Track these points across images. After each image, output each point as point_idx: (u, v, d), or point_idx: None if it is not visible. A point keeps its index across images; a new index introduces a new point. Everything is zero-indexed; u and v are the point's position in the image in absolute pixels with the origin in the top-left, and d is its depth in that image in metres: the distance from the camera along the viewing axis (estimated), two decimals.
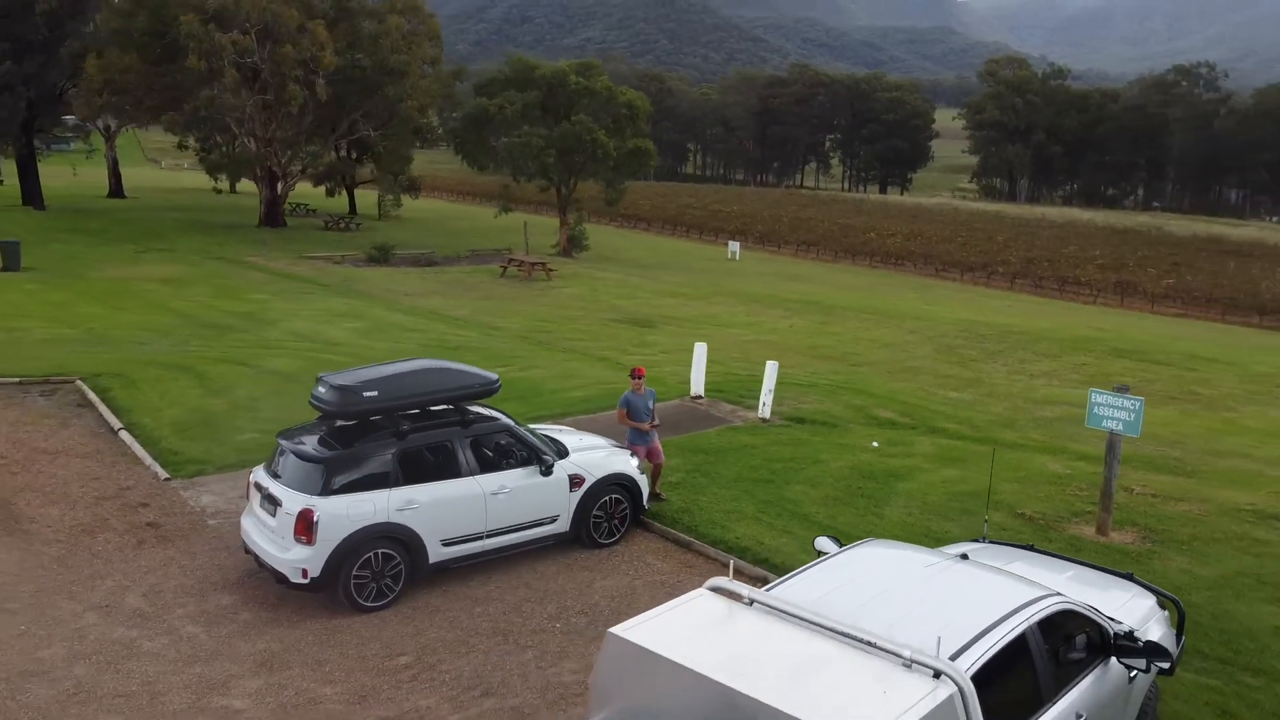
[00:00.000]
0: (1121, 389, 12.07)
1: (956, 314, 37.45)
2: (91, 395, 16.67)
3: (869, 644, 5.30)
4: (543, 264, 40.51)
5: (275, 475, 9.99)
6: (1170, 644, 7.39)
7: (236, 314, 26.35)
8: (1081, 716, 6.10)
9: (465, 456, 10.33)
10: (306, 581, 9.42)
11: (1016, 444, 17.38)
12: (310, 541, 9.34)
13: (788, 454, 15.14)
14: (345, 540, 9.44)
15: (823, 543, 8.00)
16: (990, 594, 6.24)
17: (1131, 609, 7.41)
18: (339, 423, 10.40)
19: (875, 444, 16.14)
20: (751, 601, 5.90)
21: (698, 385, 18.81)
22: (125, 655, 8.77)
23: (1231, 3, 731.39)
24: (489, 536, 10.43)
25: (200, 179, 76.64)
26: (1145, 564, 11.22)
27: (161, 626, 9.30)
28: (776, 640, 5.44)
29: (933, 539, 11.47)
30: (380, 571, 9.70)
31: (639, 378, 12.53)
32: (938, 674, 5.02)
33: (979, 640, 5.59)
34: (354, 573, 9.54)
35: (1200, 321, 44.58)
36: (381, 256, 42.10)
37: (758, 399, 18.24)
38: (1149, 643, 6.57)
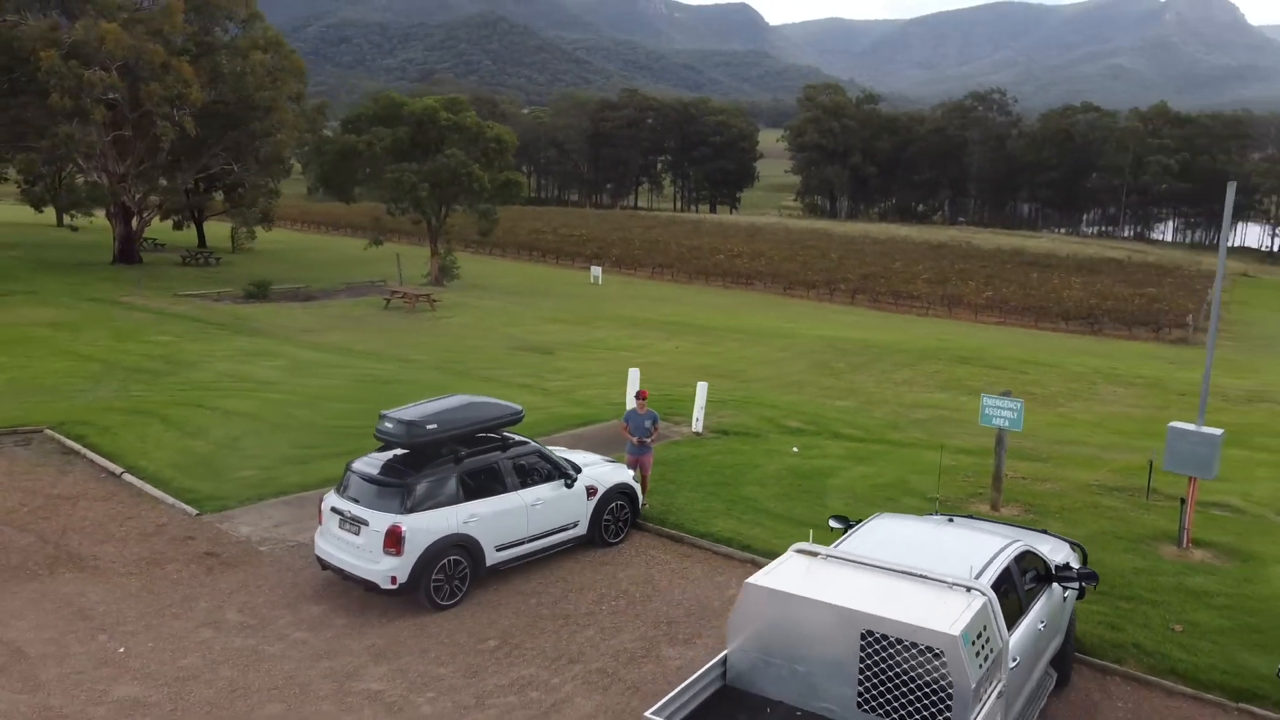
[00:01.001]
0: (1005, 394, 15.26)
1: (816, 331, 41.25)
2: (71, 444, 17.40)
3: (921, 576, 7.82)
4: (426, 295, 41.85)
5: (354, 500, 11.68)
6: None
7: (152, 357, 26.73)
8: (1043, 623, 8.85)
9: (509, 475, 12.34)
10: (395, 587, 11.20)
11: (905, 443, 20.59)
12: (399, 553, 11.14)
13: (730, 461, 17.71)
14: (426, 550, 11.29)
15: (835, 521, 10.54)
16: (981, 542, 8.94)
17: (1057, 551, 10.31)
18: (397, 451, 12.18)
19: (795, 449, 18.95)
20: (827, 556, 8.32)
21: (631, 403, 21.10)
22: (256, 659, 10.34)
23: (1013, 30, 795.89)
24: (529, 541, 12.47)
25: (18, 213, 73.22)
26: (1038, 519, 14.34)
27: (272, 634, 10.88)
28: (856, 578, 7.88)
29: (856, 510, 14.28)
30: (451, 574, 11.58)
31: (642, 399, 14.83)
32: (969, 590, 7.59)
33: (985, 570, 8.22)
34: (433, 577, 11.39)
35: (1018, 329, 50.42)
36: (260, 293, 42.31)
37: (683, 415, 20.81)
38: (1081, 570, 9.44)
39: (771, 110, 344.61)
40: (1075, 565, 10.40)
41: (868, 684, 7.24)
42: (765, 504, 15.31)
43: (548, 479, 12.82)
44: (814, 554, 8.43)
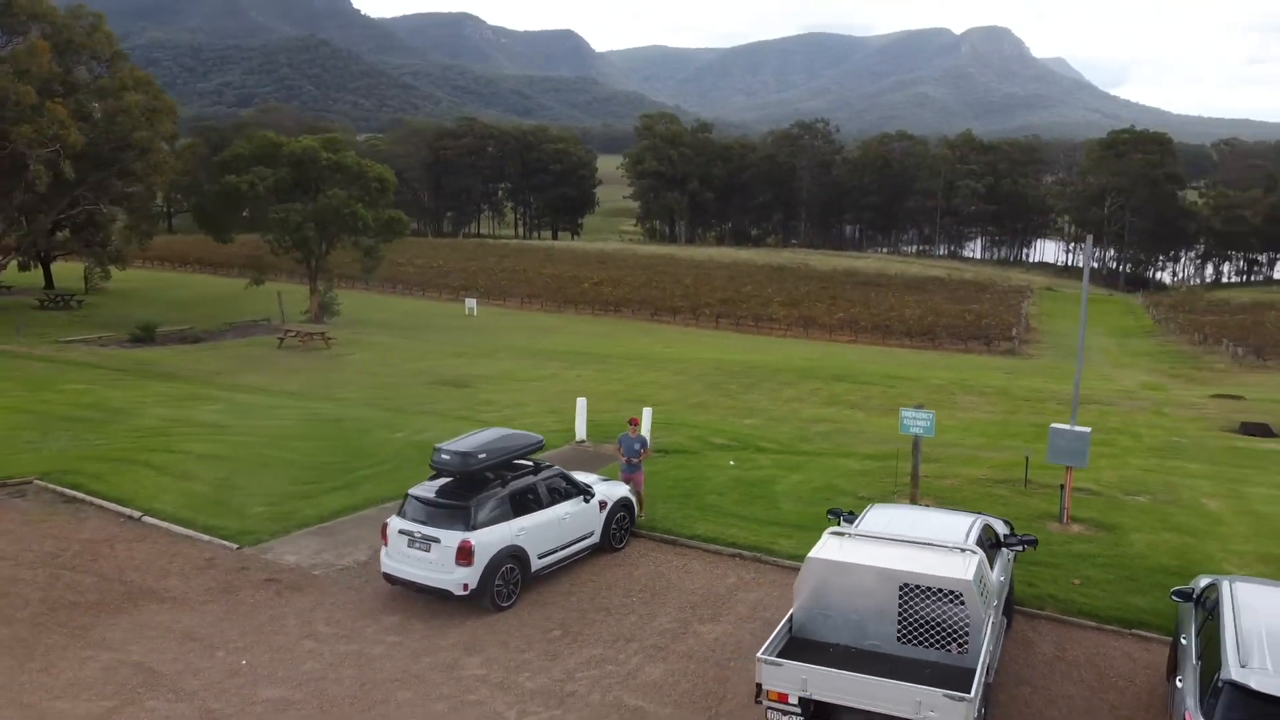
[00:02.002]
0: (919, 406, 18.58)
1: (698, 354, 44.52)
2: (71, 492, 18.27)
3: (928, 543, 10.69)
4: (320, 333, 42.65)
5: (421, 521, 13.63)
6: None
7: (81, 405, 26.94)
8: (1001, 578, 11.90)
9: (543, 494, 14.57)
10: (466, 593, 13.25)
11: (819, 453, 23.79)
12: (469, 564, 13.21)
13: (683, 475, 20.36)
14: (490, 560, 13.39)
15: (831, 514, 13.36)
16: (956, 519, 11.94)
17: (997, 524, 13.46)
18: (444, 480, 14.22)
19: (733, 463, 21.81)
20: (854, 535, 11.08)
21: (581, 431, 23.51)
22: (365, 659, 12.21)
23: (827, 59, 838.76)
24: (561, 549, 14.72)
25: None
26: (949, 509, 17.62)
27: (367, 640, 12.73)
28: (883, 548, 10.66)
29: (821, 515, 17.24)
30: (509, 580, 13.71)
31: (634, 425, 17.27)
32: (964, 550, 10.51)
33: (969, 538, 11.19)
34: (495, 583, 13.49)
35: (870, 346, 55.43)
36: (146, 336, 42.03)
37: (600, 438, 23.26)
38: (1024, 536, 12.60)
39: (602, 136, 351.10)
40: (1011, 533, 13.63)
41: (905, 623, 10.03)
42: (730, 509, 18.03)
43: (569, 496, 15.10)
44: (844, 534, 11.20)
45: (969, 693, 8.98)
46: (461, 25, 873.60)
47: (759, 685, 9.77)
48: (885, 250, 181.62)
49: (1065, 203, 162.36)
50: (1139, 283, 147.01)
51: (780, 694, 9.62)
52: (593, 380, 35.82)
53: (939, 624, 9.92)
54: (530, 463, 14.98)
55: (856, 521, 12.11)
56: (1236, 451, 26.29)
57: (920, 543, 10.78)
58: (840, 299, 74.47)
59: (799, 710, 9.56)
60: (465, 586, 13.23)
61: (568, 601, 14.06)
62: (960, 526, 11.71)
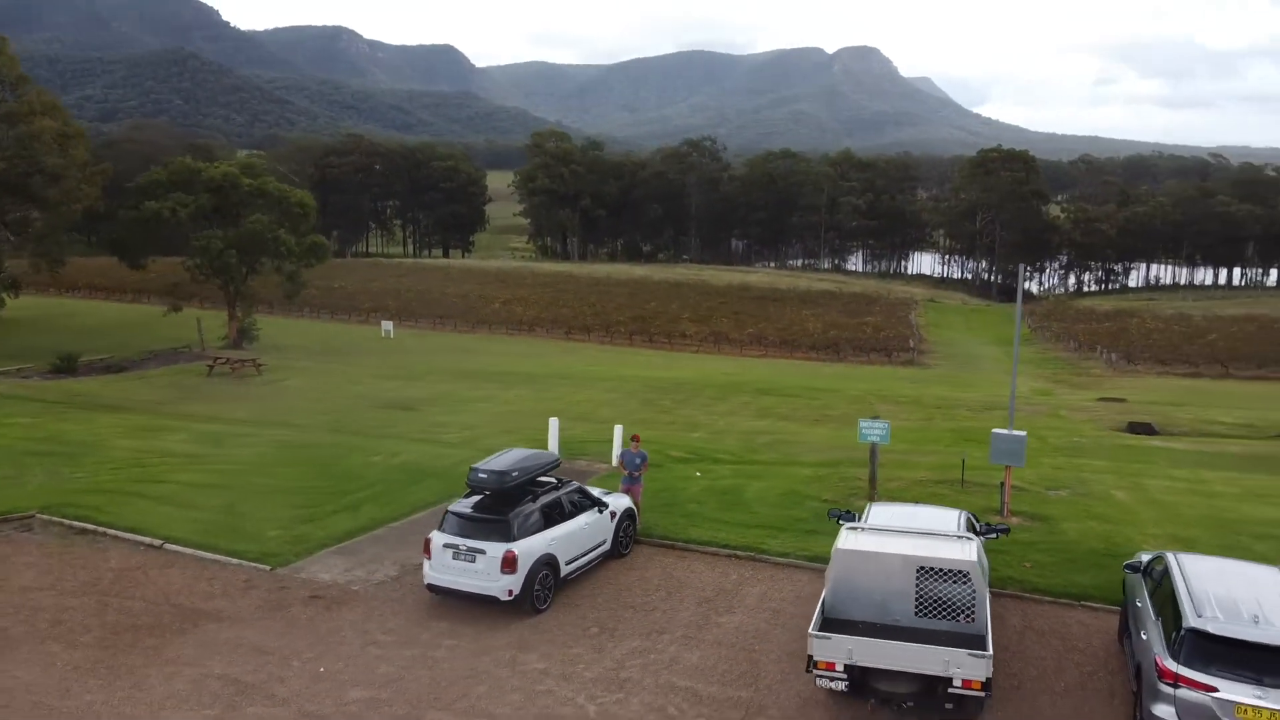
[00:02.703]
0: (876, 418, 20.81)
1: (625, 372, 46.32)
2: (81, 524, 18.79)
3: (932, 533, 12.73)
4: (251, 360, 42.74)
5: (464, 535, 14.96)
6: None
7: (35, 439, 26.84)
8: (981, 559, 14.05)
9: (567, 507, 16.10)
10: (511, 599, 14.68)
11: (771, 462, 25.87)
12: (514, 571, 14.64)
13: (658, 487, 22.03)
14: (531, 567, 14.85)
15: (834, 513, 15.32)
16: (945, 513, 14.07)
17: (970, 516, 15.65)
18: (476, 494, 15.61)
19: (699, 474, 23.65)
20: (868, 529, 13.03)
21: (554, 448, 24.95)
22: (431, 661, 13.52)
23: (706, 77, 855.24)
24: (583, 556, 16.27)
25: None
26: None
27: (426, 644, 14.02)
28: (897, 538, 12.63)
29: (794, 517, 19.29)
30: (544, 585, 15.18)
31: (636, 441, 18.92)
32: (961, 538, 12.59)
33: (959, 528, 13.29)
34: (534, 588, 14.95)
35: (781, 360, 58.26)
36: (68, 366, 41.38)
37: (589, 455, 24.88)
38: (997, 526, 14.81)
39: (486, 152, 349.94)
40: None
41: (921, 600, 12.02)
42: (712, 515, 19.85)
43: (586, 508, 16.65)
44: (858, 529, 13.15)
45: (986, 650, 11.03)
46: (336, 38, 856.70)
47: (810, 657, 11.60)
48: (772, 264, 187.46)
49: (940, 217, 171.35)
50: (1010, 293, 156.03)
51: (828, 663, 11.47)
52: (532, 400, 37.17)
53: (949, 599, 11.95)
54: (553, 479, 16.49)
55: (864, 518, 14.07)
56: (1130, 449, 29.60)
57: (925, 533, 12.83)
58: (743, 314, 77.49)
59: (844, 676, 11.43)
60: (510, 592, 14.65)
61: (595, 603, 15.61)
62: (950, 519, 13.84)
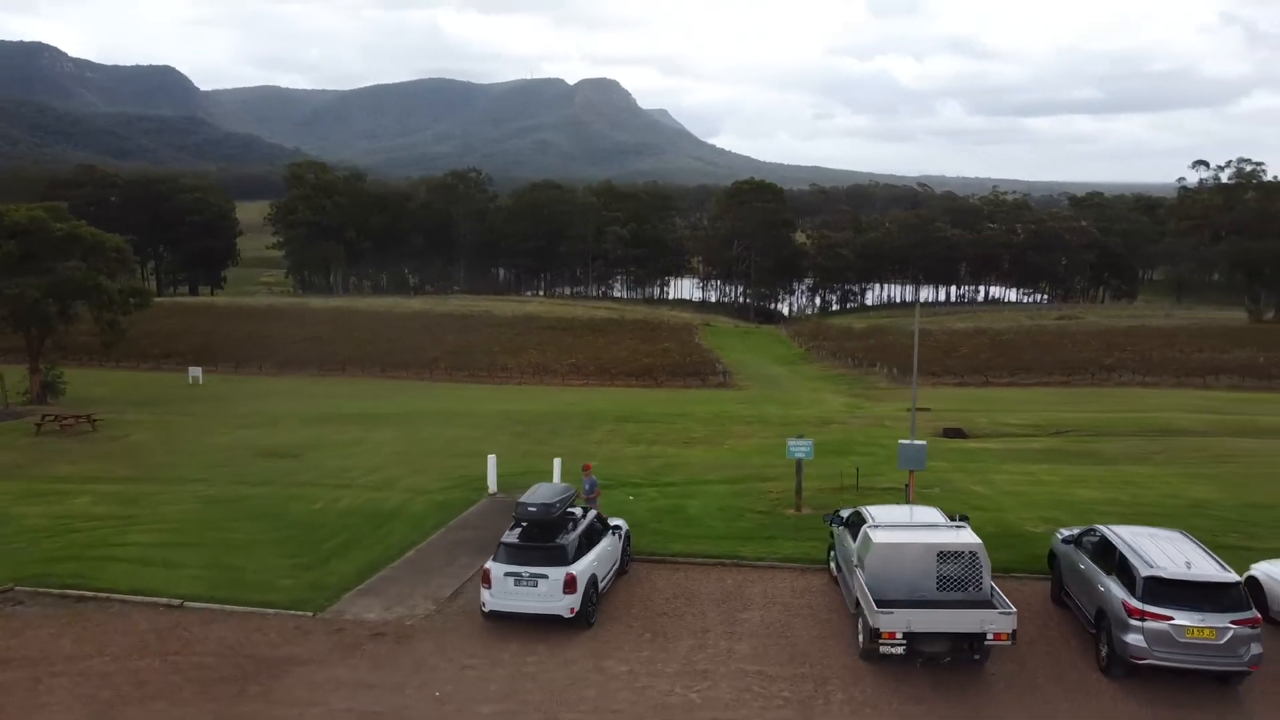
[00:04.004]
0: (801, 436, 24.22)
1: (476, 408, 47.67)
2: (77, 592, 18.60)
3: (933, 525, 16.14)
4: (85, 416, 40.55)
5: (523, 563, 16.74)
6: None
7: None
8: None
9: (595, 533, 18.22)
10: (572, 616, 16.65)
11: (684, 482, 28.64)
12: (574, 591, 16.63)
13: (609, 511, 24.30)
14: (585, 586, 16.89)
15: (828, 518, 18.41)
16: (927, 509, 17.54)
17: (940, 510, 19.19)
18: (520, 526, 17.45)
19: (631, 497, 26.13)
20: (880, 525, 16.20)
21: (493, 484, 26.60)
22: (530, 676, 15.27)
23: (449, 105, 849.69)
24: (609, 575, 18.42)
25: None
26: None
27: (511, 663, 15.73)
28: (910, 531, 15.90)
29: (744, 528, 22.32)
30: (592, 602, 17.24)
31: (586, 470, 21.33)
32: (958, 526, 16.08)
33: (945, 519, 16.77)
34: (588, 605, 16.99)
35: (608, 388, 61.21)
36: None
37: (508, 488, 26.57)
38: (961, 515, 18.40)
39: (220, 179, 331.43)
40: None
41: (941, 576, 15.30)
42: (675, 531, 22.45)
43: (605, 532, 18.82)
44: (876, 526, 16.28)
45: (1012, 608, 14.49)
46: (36, 56, 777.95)
47: (876, 630, 14.56)
48: (541, 293, 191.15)
49: (699, 245, 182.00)
50: (766, 314, 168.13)
51: (890, 633, 14.48)
52: (405, 440, 37.94)
53: (962, 574, 15.31)
54: (579, 509, 18.56)
55: (874, 519, 17.12)
56: (957, 451, 34.95)
57: (928, 525, 16.20)
58: (548, 345, 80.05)
59: (904, 641, 14.49)
60: (572, 610, 16.63)
61: (630, 613, 17.82)
62: (934, 512, 17.36)
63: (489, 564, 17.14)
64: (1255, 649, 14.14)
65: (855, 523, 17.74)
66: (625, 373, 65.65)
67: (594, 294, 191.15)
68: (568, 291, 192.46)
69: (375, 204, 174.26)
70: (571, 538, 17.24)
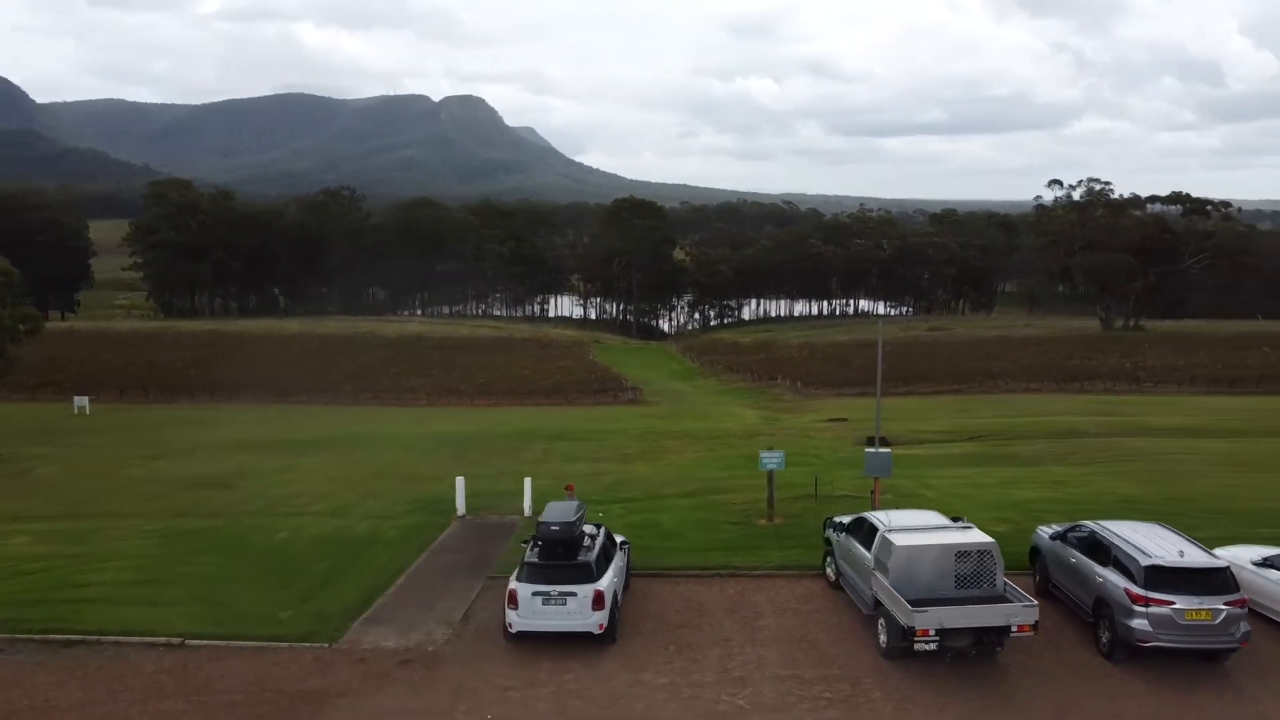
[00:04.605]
0: (772, 449, 25.00)
1: (398, 430, 46.80)
2: (63, 636, 17.60)
3: (944, 527, 17.10)
4: None
5: (551, 582, 16.83)
6: None
7: None
8: None
9: (609, 549, 18.45)
10: (602, 632, 16.85)
11: (643, 498, 29.03)
12: (603, 608, 16.85)
13: None
14: (611, 602, 17.13)
15: (829, 524, 19.16)
16: (929, 513, 18.48)
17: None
18: (539, 545, 17.58)
19: (601, 513, 26.33)
20: (895, 529, 17.05)
21: (461, 507, 26.37)
22: (572, 693, 15.42)
23: (309, 120, 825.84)
24: (622, 589, 18.68)
25: None
26: (800, 524, 24.14)
27: (550, 682, 15.82)
28: (925, 533, 16.80)
29: (723, 539, 22.93)
30: (616, 617, 17.47)
31: (570, 490, 21.51)
32: (966, 527, 17.08)
33: (951, 520, 17.76)
34: (612, 621, 17.23)
35: (524, 408, 60.58)
36: None
37: (475, 510, 26.53)
38: (954, 517, 19.45)
39: (59, 197, 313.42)
40: None
41: (958, 575, 16.24)
42: (659, 545, 22.85)
43: (616, 549, 19.07)
44: (892, 530, 17.10)
45: (1034, 601, 15.53)
46: None
47: (911, 628, 15.33)
48: (420, 312, 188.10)
49: (578, 262, 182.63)
50: (647, 331, 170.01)
51: (924, 630, 15.29)
52: (338, 467, 36.97)
53: (977, 572, 16.28)
54: (595, 526, 18.77)
55: (887, 524, 17.89)
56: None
57: (939, 527, 17.16)
58: (449, 365, 78.93)
59: (937, 638, 15.31)
60: (601, 626, 16.85)
61: (647, 627, 18.12)
62: (937, 515, 18.33)
63: (513, 584, 17.17)
64: (1245, 627, 15.61)
65: (859, 529, 18.57)
66: (535, 391, 65.47)
67: (474, 313, 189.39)
68: (446, 310, 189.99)
69: (244, 223, 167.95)
70: (594, 554, 17.46)
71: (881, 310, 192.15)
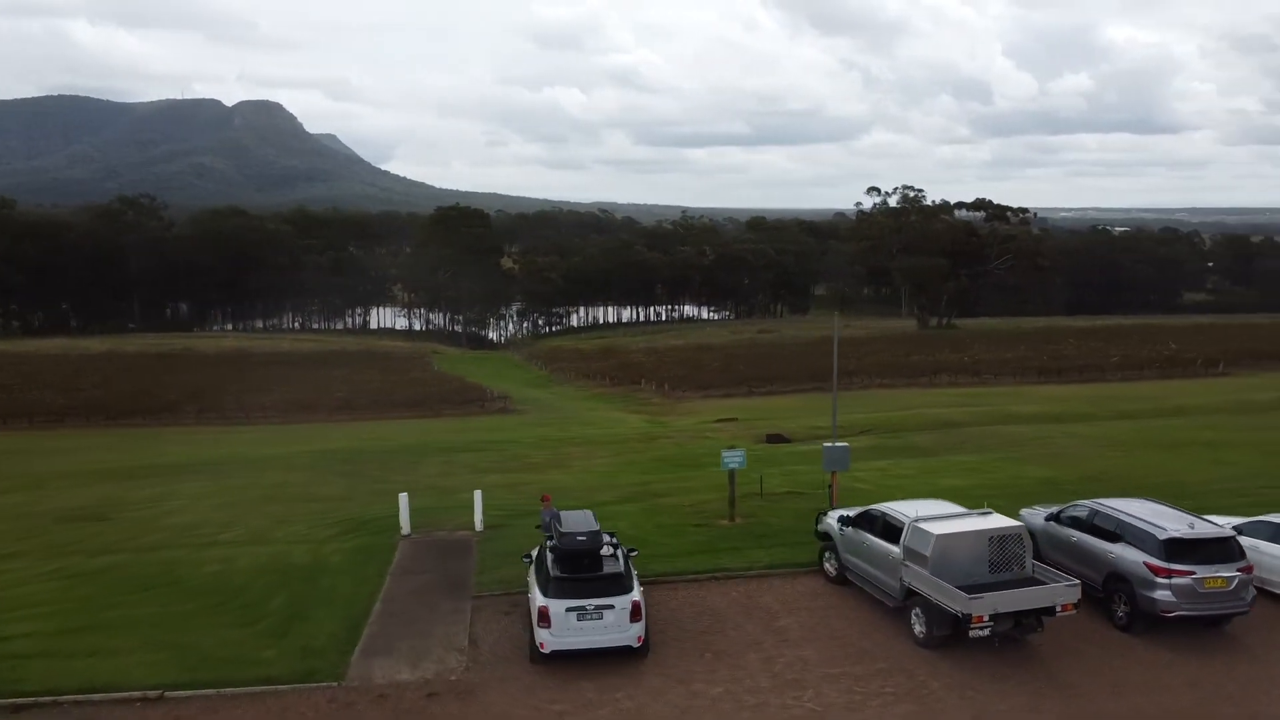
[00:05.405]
0: (734, 448, 24.70)
1: (266, 451, 43.50)
2: (8, 700, 15.07)
3: (967, 514, 17.28)
4: None
5: (586, 596, 15.81)
6: None
7: None
8: None
9: (628, 557, 17.57)
10: (640, 645, 15.99)
11: (581, 507, 28.01)
12: (640, 619, 16.00)
13: (535, 538, 23.35)
14: (645, 612, 16.28)
15: (840, 519, 18.98)
16: (942, 503, 18.63)
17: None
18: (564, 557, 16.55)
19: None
20: (923, 518, 17.07)
21: (405, 526, 24.60)
22: (630, 713, 14.58)
23: (87, 124, 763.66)
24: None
25: None
26: (763, 522, 24.00)
27: (599, 701, 14.89)
28: (959, 520, 16.91)
29: (697, 541, 22.50)
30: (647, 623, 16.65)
31: (546, 501, 20.58)
32: (988, 514, 17.33)
33: (968, 509, 17.98)
34: (647, 633, 16.39)
35: (394, 421, 57.53)
36: None
37: (418, 527, 24.94)
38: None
39: None
40: None
41: (993, 558, 16.43)
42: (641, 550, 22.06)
43: (626, 557, 18.19)
44: (922, 519, 17.08)
45: (1076, 581, 15.87)
46: None
47: (967, 615, 15.32)
48: (230, 327, 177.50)
49: (402, 272, 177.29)
50: (478, 340, 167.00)
51: (979, 617, 15.33)
52: (223, 492, 33.71)
53: (1009, 556, 16.52)
54: (609, 535, 17.81)
55: (915, 514, 17.73)
56: (794, 454, 37.02)
57: (963, 514, 17.32)
58: (295, 381, 74.48)
59: (991, 623, 15.39)
60: (639, 639, 16.01)
61: (672, 637, 17.37)
62: (950, 504, 18.51)
63: (544, 601, 16.03)
64: (1252, 591, 16.57)
65: (870, 522, 18.53)
66: (396, 404, 62.60)
67: (290, 326, 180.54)
68: (260, 325, 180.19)
69: (26, 231, 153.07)
70: (621, 563, 16.60)
71: (704, 315, 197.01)
